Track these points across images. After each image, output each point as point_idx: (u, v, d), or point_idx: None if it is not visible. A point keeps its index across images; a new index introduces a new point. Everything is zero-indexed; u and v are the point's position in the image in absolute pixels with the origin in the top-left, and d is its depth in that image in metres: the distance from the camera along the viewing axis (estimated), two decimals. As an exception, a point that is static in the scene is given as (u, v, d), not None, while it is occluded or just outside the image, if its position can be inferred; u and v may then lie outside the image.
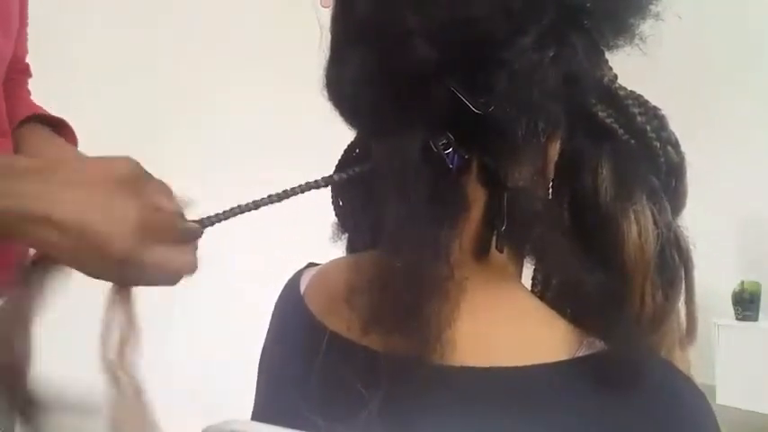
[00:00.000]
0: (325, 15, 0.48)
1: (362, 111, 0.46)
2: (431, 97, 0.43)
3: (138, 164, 0.46)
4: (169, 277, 0.46)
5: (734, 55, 3.35)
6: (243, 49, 2.36)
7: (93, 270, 0.45)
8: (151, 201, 0.44)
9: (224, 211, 0.49)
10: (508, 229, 0.46)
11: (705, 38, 3.07)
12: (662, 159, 0.50)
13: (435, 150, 0.44)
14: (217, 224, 0.49)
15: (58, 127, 0.77)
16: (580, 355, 0.43)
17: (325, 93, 0.48)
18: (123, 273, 0.44)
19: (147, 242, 0.43)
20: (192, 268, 0.47)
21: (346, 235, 0.60)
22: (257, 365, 0.60)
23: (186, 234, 0.47)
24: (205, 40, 2.28)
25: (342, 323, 0.48)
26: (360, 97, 0.45)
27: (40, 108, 0.78)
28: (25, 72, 0.84)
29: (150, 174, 0.48)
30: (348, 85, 0.46)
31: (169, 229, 0.45)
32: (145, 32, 2.17)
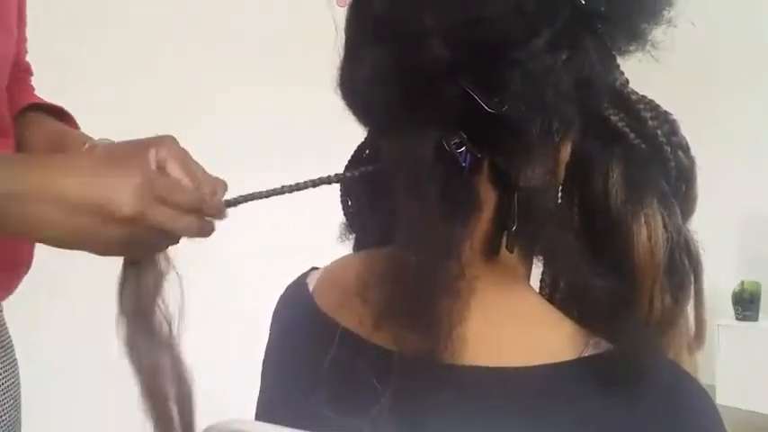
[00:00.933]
0: (340, 15, 0.48)
1: (376, 109, 0.46)
2: (444, 96, 0.43)
3: (145, 149, 0.49)
4: (173, 237, 0.49)
5: (735, 55, 3.36)
6: (244, 48, 2.36)
7: (96, 244, 0.47)
8: (154, 170, 0.47)
9: (242, 196, 0.50)
10: (519, 230, 0.46)
11: (706, 37, 3.08)
12: (672, 164, 0.50)
13: (448, 149, 0.44)
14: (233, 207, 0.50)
15: (59, 115, 0.77)
16: (586, 354, 0.43)
17: (339, 91, 0.48)
18: (126, 239, 0.46)
19: (150, 202, 0.46)
20: (199, 229, 0.49)
21: (353, 235, 0.60)
22: (261, 365, 0.59)
23: (197, 200, 0.49)
24: (205, 40, 2.28)
25: (353, 319, 0.48)
26: (374, 95, 0.45)
27: (40, 98, 0.78)
28: (27, 71, 0.85)
29: (173, 147, 0.51)
30: (362, 83, 0.46)
31: (175, 192, 0.47)
32: (145, 32, 2.16)
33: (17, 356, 0.81)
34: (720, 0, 3.18)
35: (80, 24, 2.00)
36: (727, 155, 3.16)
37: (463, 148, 0.44)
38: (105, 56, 2.06)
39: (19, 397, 0.80)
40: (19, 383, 0.81)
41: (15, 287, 0.76)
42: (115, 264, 0.51)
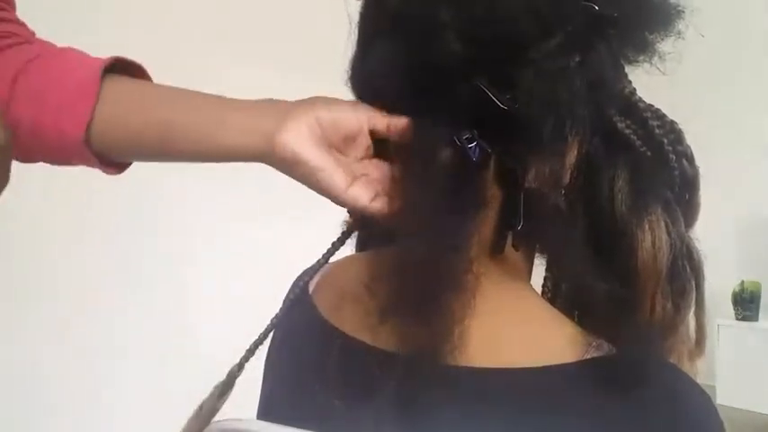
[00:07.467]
0: (354, 8, 0.49)
1: (388, 101, 0.47)
2: (457, 91, 0.43)
3: None
4: None
5: (734, 54, 3.35)
6: (248, 44, 2.36)
7: None
8: None
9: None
10: (524, 229, 0.46)
11: (705, 37, 3.07)
12: (677, 172, 0.50)
13: (459, 144, 0.44)
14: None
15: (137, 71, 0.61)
16: (588, 357, 0.43)
17: (350, 84, 0.49)
18: None
19: None
20: None
21: (356, 233, 0.60)
22: (263, 365, 0.59)
23: None
24: (206, 34, 2.27)
25: (353, 323, 0.48)
26: (386, 88, 0.46)
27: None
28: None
29: None
30: (375, 76, 0.46)
31: None
32: (146, 26, 2.16)
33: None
34: (717, 4, 3.18)
35: (80, 21, 2.00)
36: (727, 155, 3.16)
37: (474, 143, 0.44)
38: (105, 53, 2.05)
39: None
40: None
41: None
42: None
